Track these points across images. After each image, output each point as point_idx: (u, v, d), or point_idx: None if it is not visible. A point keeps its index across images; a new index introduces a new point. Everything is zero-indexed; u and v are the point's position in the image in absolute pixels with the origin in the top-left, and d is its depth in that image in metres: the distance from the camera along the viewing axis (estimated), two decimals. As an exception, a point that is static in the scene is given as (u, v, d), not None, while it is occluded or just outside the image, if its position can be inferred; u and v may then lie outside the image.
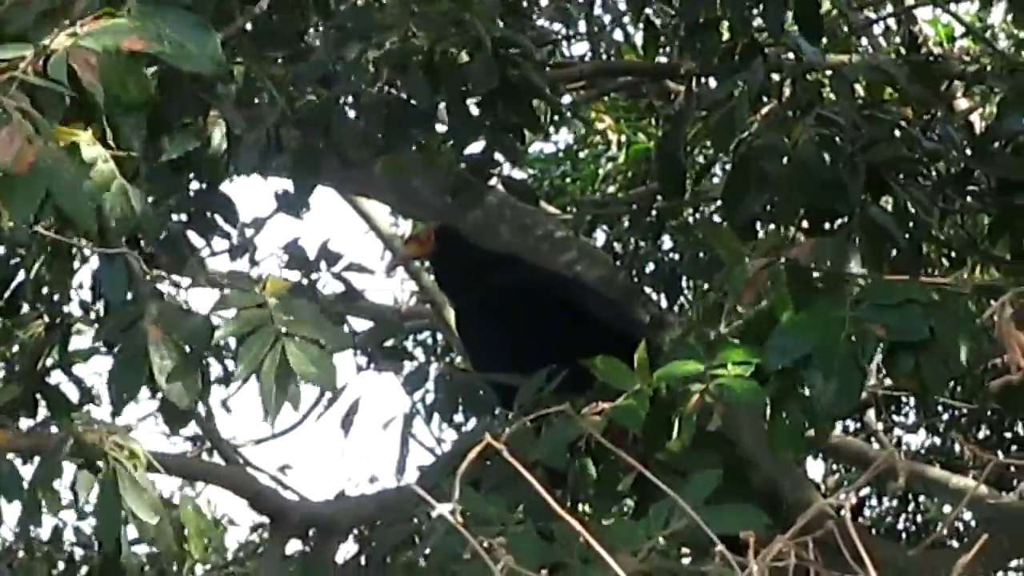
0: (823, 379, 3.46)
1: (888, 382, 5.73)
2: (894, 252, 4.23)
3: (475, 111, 4.51)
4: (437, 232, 5.01)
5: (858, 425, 6.90)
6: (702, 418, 3.55)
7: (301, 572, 4.26)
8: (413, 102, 4.40)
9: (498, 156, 4.64)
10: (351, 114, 4.42)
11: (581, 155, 7.10)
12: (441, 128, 4.57)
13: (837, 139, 4.28)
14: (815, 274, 3.69)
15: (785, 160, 4.25)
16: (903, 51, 5.79)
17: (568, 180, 7.04)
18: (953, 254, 5.00)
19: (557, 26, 5.67)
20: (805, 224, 4.38)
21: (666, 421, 3.58)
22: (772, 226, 4.55)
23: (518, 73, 4.35)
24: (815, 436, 3.69)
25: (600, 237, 6.67)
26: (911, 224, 4.24)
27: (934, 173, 4.55)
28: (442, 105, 4.50)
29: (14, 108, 2.77)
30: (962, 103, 5.38)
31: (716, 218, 5.44)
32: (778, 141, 4.29)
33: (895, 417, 7.10)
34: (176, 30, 2.90)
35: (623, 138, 6.79)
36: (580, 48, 6.66)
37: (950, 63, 4.72)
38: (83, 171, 3.01)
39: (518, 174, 6.96)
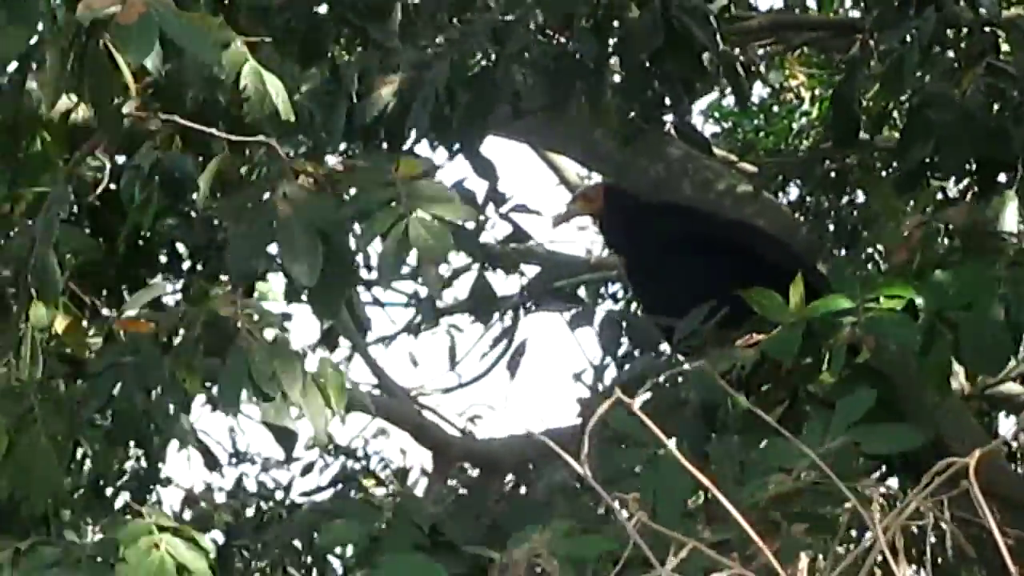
0: (971, 338, 3.46)
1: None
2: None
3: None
4: (606, 189, 5.06)
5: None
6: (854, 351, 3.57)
7: (461, 505, 4.34)
8: (580, 56, 4.43)
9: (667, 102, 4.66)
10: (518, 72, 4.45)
11: (774, 109, 7.09)
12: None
13: (1006, 89, 4.24)
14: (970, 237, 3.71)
15: (954, 110, 4.23)
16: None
17: (761, 134, 7.03)
18: None
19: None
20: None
21: (819, 354, 3.59)
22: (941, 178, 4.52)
23: (682, 28, 4.36)
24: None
25: (793, 192, 6.66)
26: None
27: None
28: (613, 60, 4.55)
29: None
30: None
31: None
32: (947, 90, 4.27)
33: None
34: None
35: (816, 92, 6.77)
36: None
37: None
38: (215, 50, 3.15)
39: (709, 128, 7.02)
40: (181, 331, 3.65)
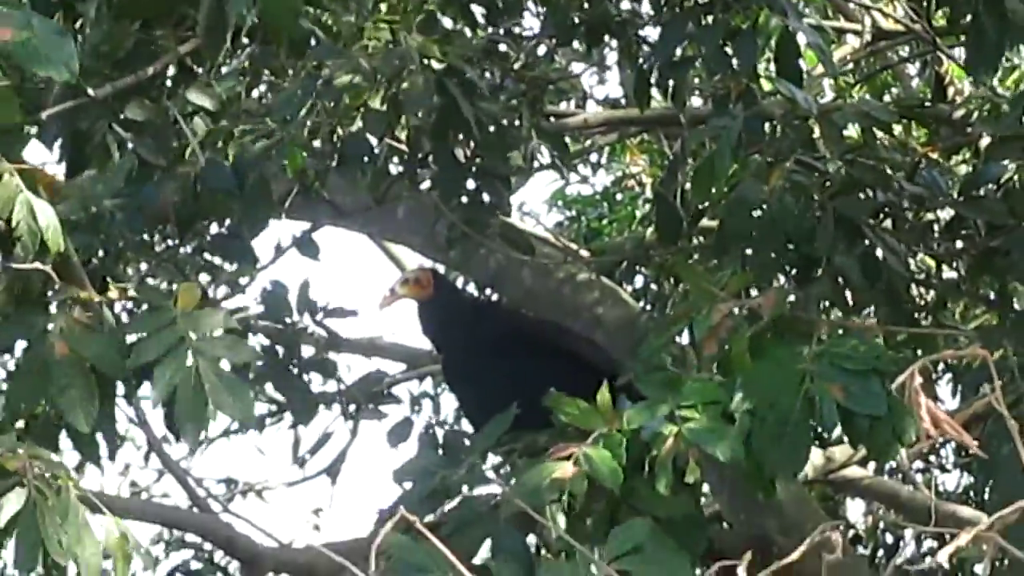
0: (773, 439, 3.48)
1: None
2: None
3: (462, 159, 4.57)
4: (435, 277, 5.06)
5: (892, 465, 6.84)
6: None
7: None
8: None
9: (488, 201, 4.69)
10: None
11: (618, 197, 7.14)
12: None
13: (812, 185, 4.28)
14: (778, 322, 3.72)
15: (761, 211, 4.25)
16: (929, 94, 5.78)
17: (604, 222, 7.08)
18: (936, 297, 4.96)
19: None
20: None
21: (639, 464, 3.57)
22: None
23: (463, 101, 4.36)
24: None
25: (638, 280, 6.71)
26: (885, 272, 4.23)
27: (925, 218, 4.57)
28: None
29: None
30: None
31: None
32: (755, 192, 4.28)
33: (931, 457, 7.05)
34: (36, 30, 2.94)
35: (657, 179, 6.82)
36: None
37: (941, 109, 4.70)
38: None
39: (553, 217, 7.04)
40: None
